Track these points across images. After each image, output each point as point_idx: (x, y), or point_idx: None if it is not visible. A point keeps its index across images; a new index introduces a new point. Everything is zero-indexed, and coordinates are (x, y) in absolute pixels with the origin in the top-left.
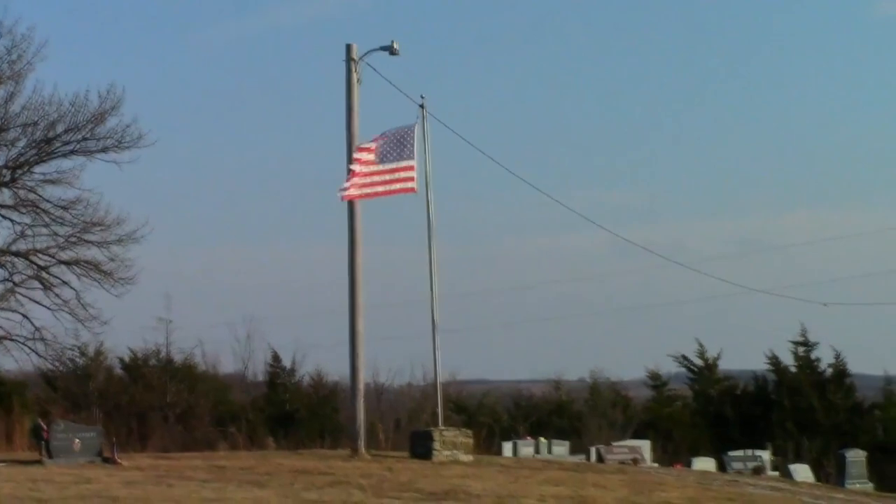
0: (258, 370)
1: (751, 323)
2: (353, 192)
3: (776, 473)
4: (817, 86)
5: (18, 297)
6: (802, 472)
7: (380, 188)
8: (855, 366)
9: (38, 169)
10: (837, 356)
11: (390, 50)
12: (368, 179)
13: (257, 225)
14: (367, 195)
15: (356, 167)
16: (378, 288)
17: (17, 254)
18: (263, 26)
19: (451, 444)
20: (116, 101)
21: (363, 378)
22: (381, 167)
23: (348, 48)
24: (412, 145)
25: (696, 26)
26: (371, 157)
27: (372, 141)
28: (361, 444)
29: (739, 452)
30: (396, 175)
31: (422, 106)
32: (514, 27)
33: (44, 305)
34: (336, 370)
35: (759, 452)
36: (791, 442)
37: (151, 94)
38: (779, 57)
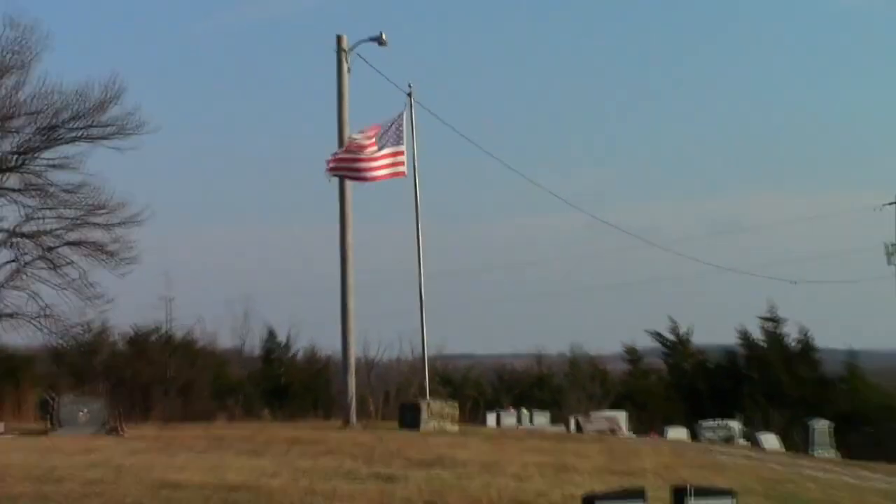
0: (255, 346)
1: (722, 300)
2: (349, 173)
3: (746, 442)
4: (785, 70)
5: (27, 276)
6: (771, 440)
7: (374, 173)
8: (820, 340)
9: (44, 155)
10: (804, 332)
11: (379, 40)
12: (365, 164)
13: (253, 207)
14: (363, 178)
15: (356, 154)
16: (368, 267)
17: (25, 235)
18: (259, 17)
19: (439, 415)
20: (119, 90)
21: (354, 353)
22: (376, 153)
23: (339, 39)
24: (401, 131)
25: (669, 6)
26: (370, 143)
27: (370, 130)
28: (353, 415)
29: (711, 422)
30: (388, 160)
31: (409, 94)
32: (501, 17)
33: (51, 284)
34: (329, 345)
35: (729, 422)
36: (760, 412)
37: (153, 83)
38: (754, 43)
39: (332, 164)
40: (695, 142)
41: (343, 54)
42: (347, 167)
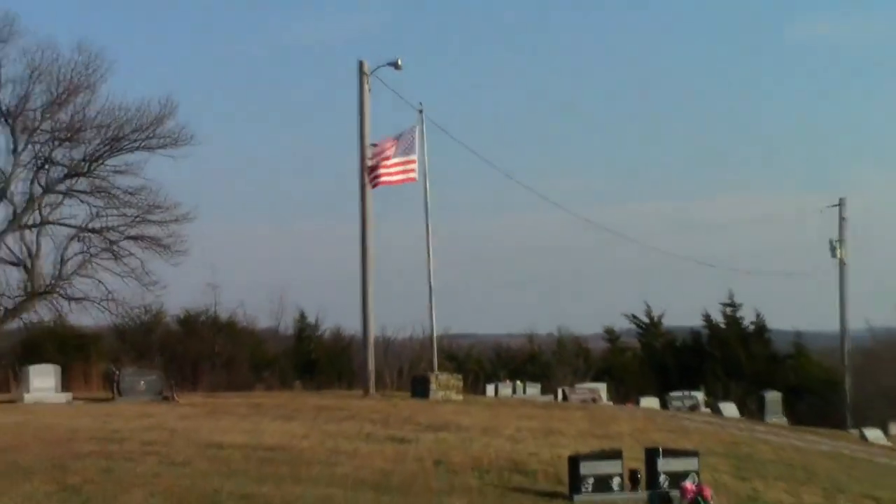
0: (288, 326)
1: (689, 288)
2: (377, 180)
3: (708, 410)
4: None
5: (94, 266)
6: (730, 409)
7: (390, 178)
8: (772, 323)
9: (109, 162)
10: (758, 315)
11: (395, 65)
12: (384, 170)
13: (287, 207)
14: (383, 183)
15: (377, 161)
16: (386, 260)
17: (93, 230)
18: (289, 43)
19: (445, 386)
20: (173, 107)
21: (373, 333)
22: (393, 160)
23: (360, 64)
24: (413, 143)
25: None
26: (388, 152)
27: (389, 142)
28: (372, 386)
29: (679, 393)
30: (402, 167)
31: (420, 111)
32: (503, 18)
33: (115, 273)
34: (351, 326)
35: (694, 393)
36: (720, 385)
37: (203, 97)
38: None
39: (372, 182)
40: (687, 143)
41: (364, 77)
42: (376, 174)
